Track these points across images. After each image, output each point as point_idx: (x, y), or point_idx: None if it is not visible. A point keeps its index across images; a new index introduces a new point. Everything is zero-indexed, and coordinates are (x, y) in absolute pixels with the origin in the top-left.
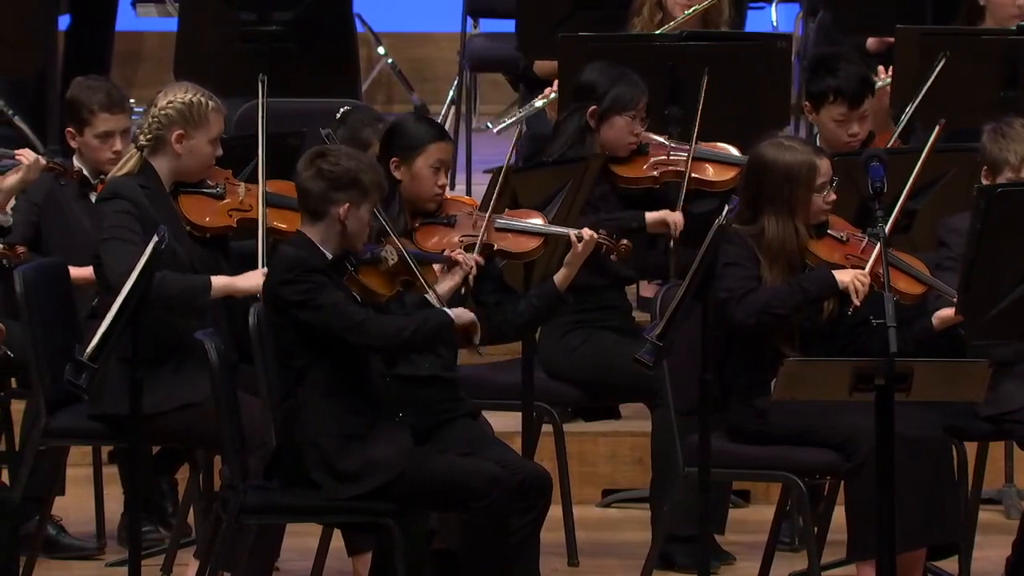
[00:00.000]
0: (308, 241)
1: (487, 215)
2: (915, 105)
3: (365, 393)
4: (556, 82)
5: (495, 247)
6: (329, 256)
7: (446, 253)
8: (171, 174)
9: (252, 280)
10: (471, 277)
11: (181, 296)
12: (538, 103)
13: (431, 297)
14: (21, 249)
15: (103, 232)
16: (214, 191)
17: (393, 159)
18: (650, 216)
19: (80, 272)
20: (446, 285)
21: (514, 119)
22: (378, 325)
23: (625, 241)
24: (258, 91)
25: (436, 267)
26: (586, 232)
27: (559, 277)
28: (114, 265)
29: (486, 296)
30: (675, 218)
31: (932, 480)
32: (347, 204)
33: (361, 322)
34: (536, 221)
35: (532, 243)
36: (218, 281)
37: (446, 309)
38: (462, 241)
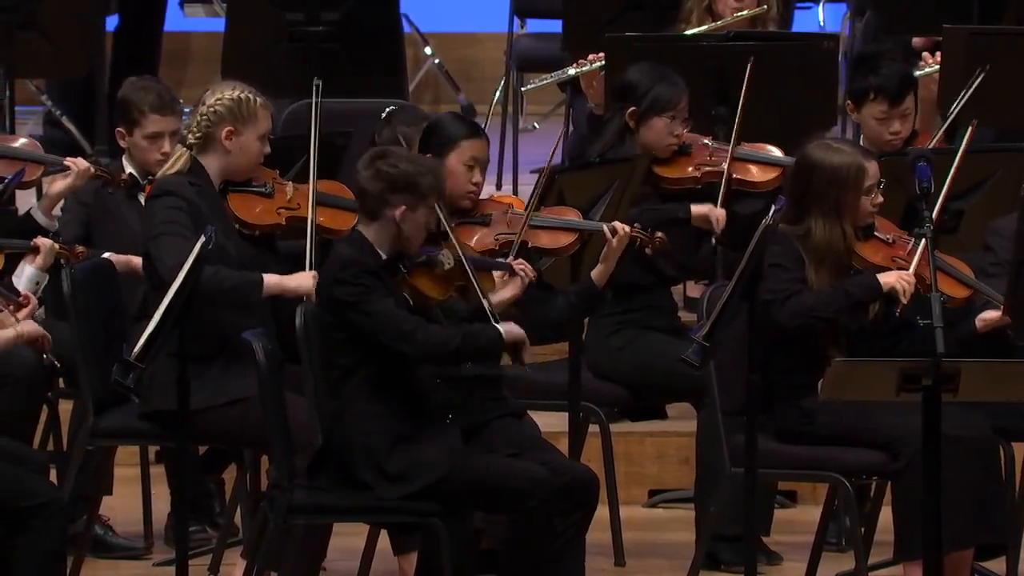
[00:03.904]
0: (363, 240)
1: (525, 214)
2: (959, 107)
3: (413, 394)
4: (601, 55)
5: (530, 244)
6: (383, 256)
7: (509, 261)
8: (220, 172)
9: (302, 281)
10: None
11: (233, 291)
12: (572, 71)
13: (486, 305)
14: (80, 249)
15: (154, 228)
16: (262, 190)
17: (427, 156)
18: (695, 208)
19: (123, 259)
20: (504, 295)
21: (545, 82)
22: (426, 335)
23: (660, 234)
24: (306, 92)
25: (497, 274)
26: (620, 226)
27: (596, 273)
28: (166, 259)
29: (527, 295)
30: (718, 214)
31: (979, 480)
32: (403, 207)
33: (410, 331)
34: (570, 216)
35: (566, 239)
36: (270, 280)
37: (497, 324)
38: (498, 239)
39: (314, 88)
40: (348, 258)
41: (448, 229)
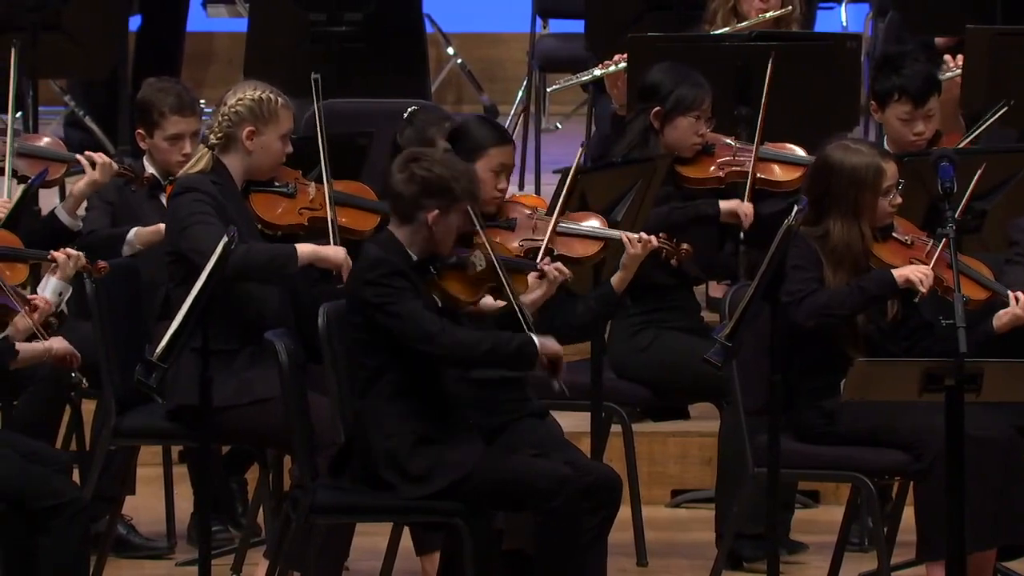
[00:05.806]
0: (395, 241)
1: (551, 219)
2: (980, 128)
3: (438, 397)
4: (624, 55)
5: (555, 251)
6: (414, 258)
7: (539, 264)
8: (242, 172)
9: (336, 252)
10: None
11: (270, 264)
12: (597, 71)
13: (518, 308)
14: (103, 264)
15: (181, 221)
16: (285, 190)
17: None
18: (724, 204)
19: (155, 229)
20: (534, 295)
21: (571, 82)
22: (453, 338)
23: (685, 246)
24: (328, 92)
25: (531, 276)
26: (643, 236)
27: (616, 280)
28: (203, 246)
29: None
30: (746, 209)
31: (1002, 480)
32: (436, 211)
33: (436, 333)
34: (595, 224)
35: (592, 247)
36: (303, 248)
37: (532, 335)
38: (523, 245)
39: (313, 83)
40: (376, 258)
41: (481, 231)
